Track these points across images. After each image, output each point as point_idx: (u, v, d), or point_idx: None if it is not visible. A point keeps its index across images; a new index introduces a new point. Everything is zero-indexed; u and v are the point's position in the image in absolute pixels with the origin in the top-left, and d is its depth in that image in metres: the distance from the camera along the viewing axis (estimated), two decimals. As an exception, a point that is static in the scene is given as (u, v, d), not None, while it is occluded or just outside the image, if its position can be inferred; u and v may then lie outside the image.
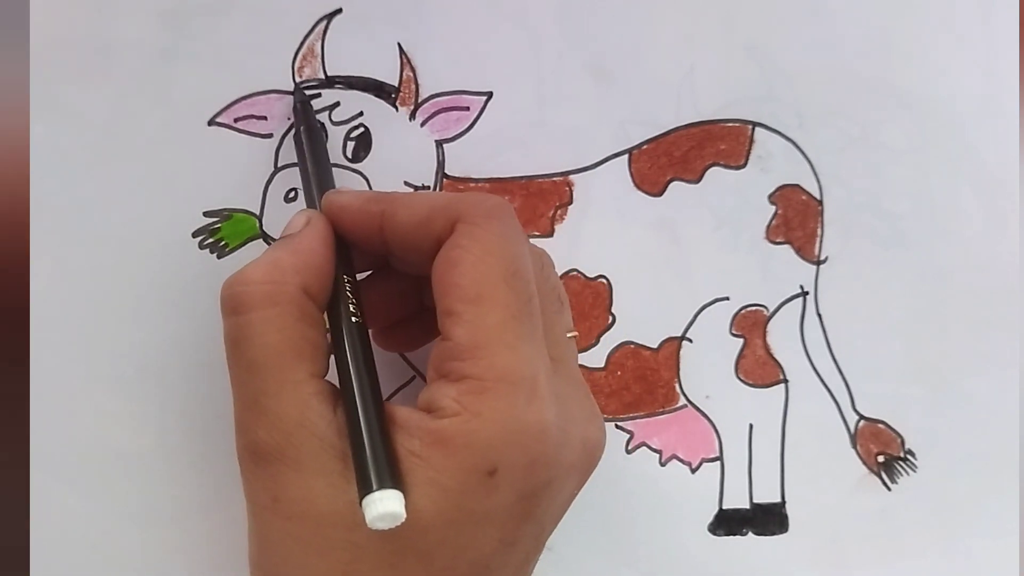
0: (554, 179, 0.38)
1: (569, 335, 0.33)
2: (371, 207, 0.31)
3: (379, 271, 0.34)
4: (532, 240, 0.38)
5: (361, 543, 0.28)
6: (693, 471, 0.40)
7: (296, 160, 0.36)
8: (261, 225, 0.36)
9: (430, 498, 0.27)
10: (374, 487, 0.27)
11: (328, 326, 0.30)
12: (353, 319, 0.30)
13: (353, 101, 0.36)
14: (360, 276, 0.32)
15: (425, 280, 0.33)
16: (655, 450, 0.39)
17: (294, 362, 0.29)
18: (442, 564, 0.28)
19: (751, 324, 0.40)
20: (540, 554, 0.31)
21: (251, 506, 0.29)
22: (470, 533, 0.28)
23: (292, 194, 0.36)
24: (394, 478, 0.27)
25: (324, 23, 0.36)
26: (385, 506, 0.26)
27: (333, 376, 0.30)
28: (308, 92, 0.36)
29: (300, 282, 0.29)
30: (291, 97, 0.36)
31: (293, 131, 0.35)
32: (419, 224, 0.30)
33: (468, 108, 0.37)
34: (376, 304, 0.34)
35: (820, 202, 0.40)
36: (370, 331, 0.32)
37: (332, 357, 0.30)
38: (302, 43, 0.36)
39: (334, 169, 0.36)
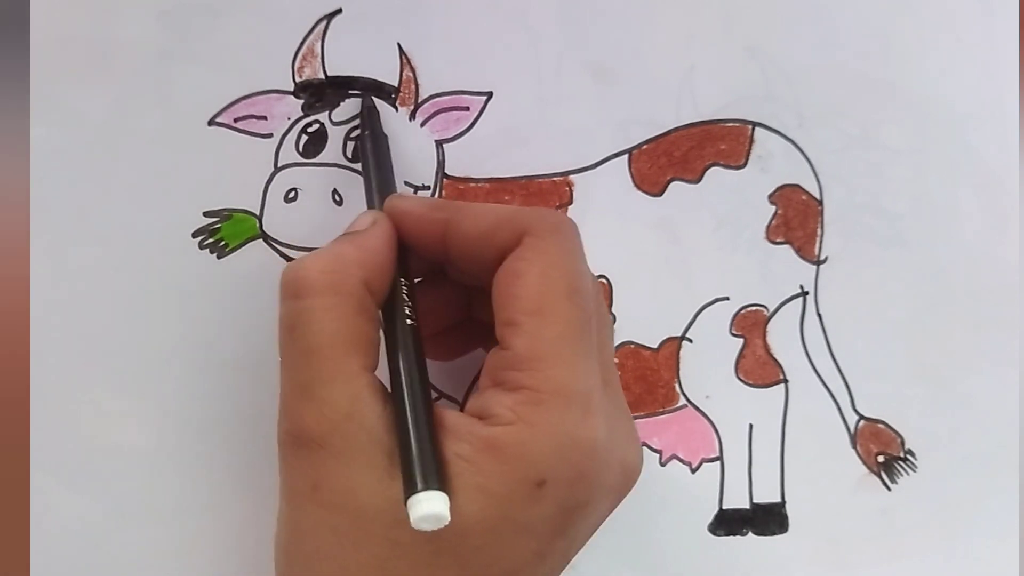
0: (554, 179, 0.38)
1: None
2: (435, 214, 0.32)
3: (431, 278, 0.34)
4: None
5: (400, 540, 0.28)
6: (693, 471, 0.40)
7: (297, 160, 0.36)
8: (261, 225, 0.36)
9: (476, 503, 0.27)
10: (419, 487, 0.27)
11: (383, 326, 0.30)
12: (408, 321, 0.30)
13: (353, 101, 0.36)
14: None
15: (475, 291, 0.33)
16: (655, 450, 0.39)
17: (350, 353, 0.29)
18: (476, 569, 0.28)
19: (751, 324, 0.40)
20: (563, 571, 0.31)
21: (287, 492, 0.29)
22: (508, 542, 0.28)
23: (292, 194, 0.36)
24: (440, 480, 0.27)
25: (324, 23, 0.36)
26: (430, 507, 0.26)
27: (382, 375, 0.30)
28: (308, 94, 0.36)
29: (362, 276, 0.29)
30: (291, 97, 0.36)
31: (358, 134, 0.36)
32: (483, 235, 0.31)
33: (468, 108, 0.37)
34: (425, 310, 0.33)
35: (820, 202, 0.40)
36: None
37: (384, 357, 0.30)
38: (302, 43, 0.36)
39: (339, 169, 0.36)
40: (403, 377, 0.29)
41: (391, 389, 0.29)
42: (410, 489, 0.27)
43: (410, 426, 0.28)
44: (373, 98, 0.36)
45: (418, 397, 0.29)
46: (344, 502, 0.28)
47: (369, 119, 0.36)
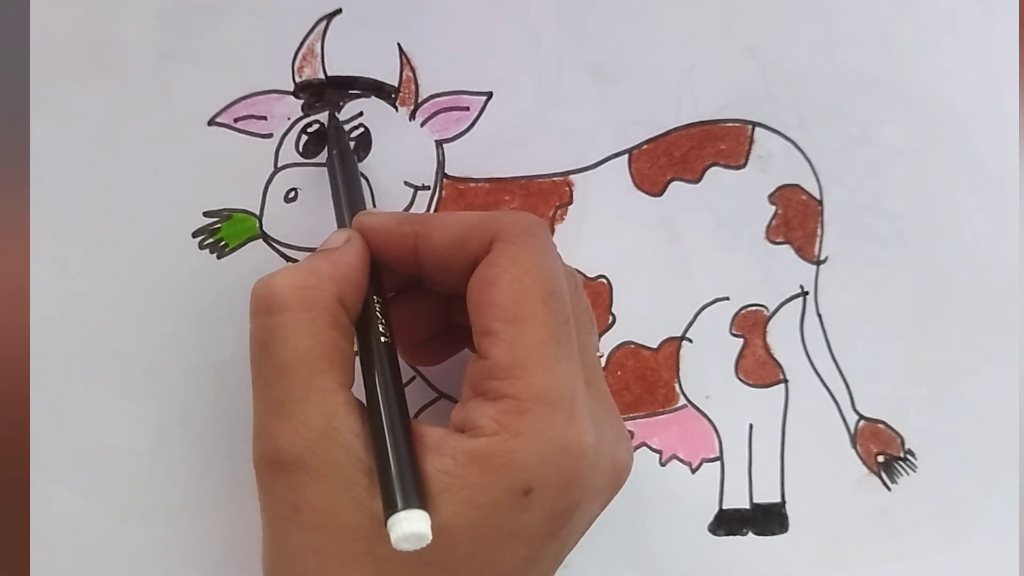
0: (554, 179, 0.38)
1: (598, 355, 0.32)
2: (404, 228, 0.31)
3: (409, 289, 0.34)
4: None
5: (386, 556, 0.27)
6: (693, 471, 0.40)
7: (297, 160, 0.36)
8: (261, 225, 0.36)
9: (462, 515, 0.27)
10: (399, 507, 0.26)
11: (358, 344, 0.30)
12: (383, 339, 0.30)
13: (354, 102, 0.36)
14: (389, 295, 0.33)
15: (454, 297, 0.33)
16: (655, 450, 0.39)
17: (325, 369, 0.28)
18: None
19: (751, 324, 0.40)
20: (556, 571, 0.31)
21: (267, 516, 0.29)
22: (497, 549, 0.28)
23: (292, 194, 0.36)
24: (420, 498, 0.27)
25: (324, 23, 0.36)
26: (411, 527, 0.26)
27: (358, 392, 0.30)
28: (308, 94, 0.36)
29: (336, 292, 0.29)
30: (291, 97, 0.36)
31: (327, 155, 0.36)
32: (454, 244, 0.30)
33: (468, 108, 0.37)
34: (406, 321, 0.33)
35: (820, 202, 0.40)
36: (398, 346, 0.32)
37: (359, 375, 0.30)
38: (302, 43, 0.36)
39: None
40: (379, 396, 0.29)
41: (367, 408, 0.29)
42: (390, 509, 0.27)
43: (388, 445, 0.28)
44: (337, 117, 0.36)
45: (395, 415, 0.28)
46: (326, 523, 0.28)
47: (336, 138, 0.35)
